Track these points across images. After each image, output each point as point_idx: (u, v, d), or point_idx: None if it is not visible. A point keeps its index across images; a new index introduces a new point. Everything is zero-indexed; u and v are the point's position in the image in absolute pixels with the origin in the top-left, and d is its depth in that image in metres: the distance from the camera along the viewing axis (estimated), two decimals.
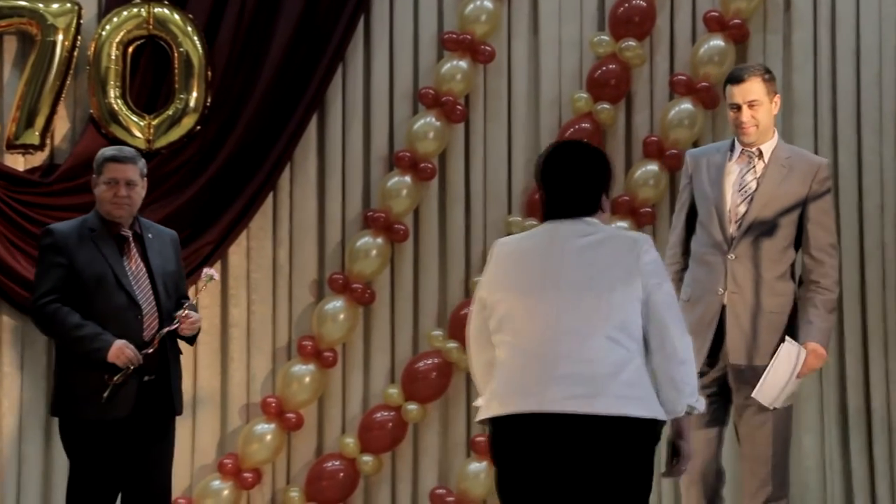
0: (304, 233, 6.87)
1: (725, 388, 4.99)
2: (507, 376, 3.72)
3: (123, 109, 6.66)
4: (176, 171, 6.74)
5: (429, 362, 6.76)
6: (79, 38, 6.67)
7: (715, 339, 4.94)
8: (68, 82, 6.67)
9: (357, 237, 6.81)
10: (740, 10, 6.79)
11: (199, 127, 6.71)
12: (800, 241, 5.00)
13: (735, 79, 4.98)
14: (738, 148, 5.03)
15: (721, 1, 6.81)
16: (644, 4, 6.83)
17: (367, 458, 6.72)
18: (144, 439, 5.02)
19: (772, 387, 4.82)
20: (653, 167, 6.81)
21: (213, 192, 6.75)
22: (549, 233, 3.80)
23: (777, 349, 4.86)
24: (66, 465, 5.09)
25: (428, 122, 6.81)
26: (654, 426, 3.70)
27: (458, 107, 6.82)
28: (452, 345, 6.71)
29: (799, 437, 6.74)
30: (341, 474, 6.69)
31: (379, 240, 6.78)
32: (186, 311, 5.05)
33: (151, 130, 6.68)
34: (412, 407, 6.73)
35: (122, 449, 4.95)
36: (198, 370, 6.80)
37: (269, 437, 6.68)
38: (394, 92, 6.94)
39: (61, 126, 6.78)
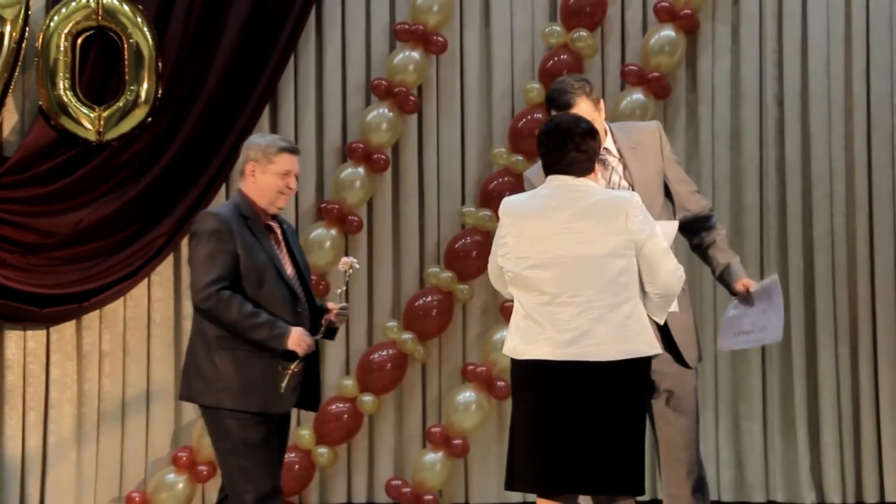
0: None
1: None
2: (522, 327, 4.29)
3: (73, 101, 6.60)
4: (127, 163, 6.69)
5: (384, 354, 6.77)
6: (27, 29, 6.59)
7: None
8: (16, 74, 6.59)
9: (311, 229, 6.80)
10: (690, 0, 6.84)
11: (150, 119, 6.67)
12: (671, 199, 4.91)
13: (564, 105, 4.67)
14: None
15: None
16: None
17: (323, 450, 6.71)
18: (286, 434, 4.86)
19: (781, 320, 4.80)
20: None
21: (165, 183, 6.71)
22: (557, 195, 4.30)
23: (766, 287, 4.79)
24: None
25: (381, 113, 6.81)
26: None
27: (411, 98, 6.83)
28: (407, 336, 6.72)
29: (741, 425, 6.83)
30: (297, 466, 6.68)
31: (332, 231, 6.77)
32: (343, 303, 4.84)
33: (102, 122, 6.62)
34: (367, 398, 6.73)
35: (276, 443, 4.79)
36: (151, 363, 6.76)
37: None
38: (346, 83, 6.94)
39: (9, 118, 6.71)
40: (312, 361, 4.80)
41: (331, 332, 4.88)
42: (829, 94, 6.88)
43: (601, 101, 4.80)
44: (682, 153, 6.85)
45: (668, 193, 4.85)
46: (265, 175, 4.79)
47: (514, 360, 4.33)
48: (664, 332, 4.65)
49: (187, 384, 4.82)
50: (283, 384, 4.68)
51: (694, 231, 4.89)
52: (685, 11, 6.85)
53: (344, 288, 4.88)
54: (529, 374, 4.27)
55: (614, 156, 4.82)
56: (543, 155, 4.38)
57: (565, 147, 4.33)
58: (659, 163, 4.83)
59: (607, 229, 4.26)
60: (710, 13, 6.96)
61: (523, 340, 4.28)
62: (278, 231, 4.86)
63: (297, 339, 4.65)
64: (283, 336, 4.64)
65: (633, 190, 4.67)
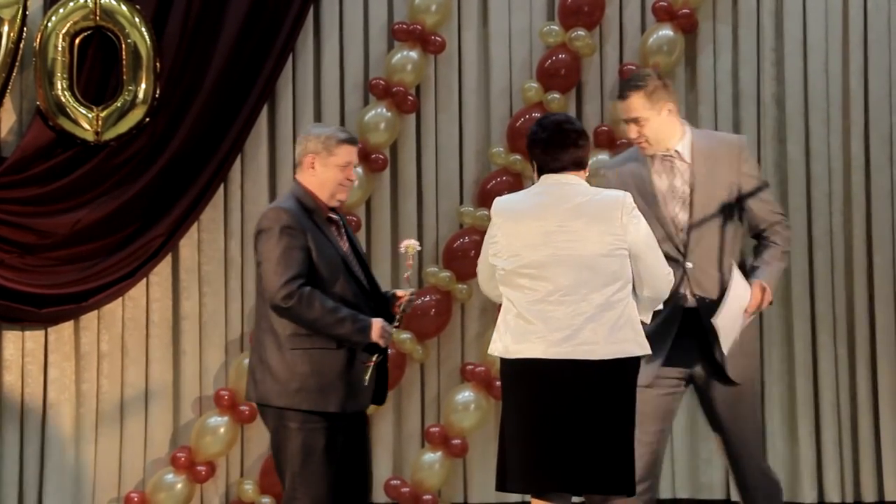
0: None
1: (683, 388, 4.95)
2: (514, 326, 4.31)
3: (71, 101, 6.59)
4: (125, 164, 6.68)
5: None
6: (25, 29, 6.58)
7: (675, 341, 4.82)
8: (14, 74, 6.58)
9: None
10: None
11: (148, 119, 6.66)
12: (742, 217, 4.89)
13: (618, 95, 4.85)
14: (656, 154, 4.85)
15: None
16: None
17: None
18: (363, 434, 4.80)
19: (730, 312, 4.73)
20: (604, 157, 6.82)
21: (163, 184, 6.70)
22: (550, 192, 4.34)
23: (730, 279, 4.76)
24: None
25: (379, 112, 6.80)
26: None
27: (409, 97, 6.82)
28: (406, 336, 6.71)
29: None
30: None
31: None
32: (411, 289, 4.75)
33: (100, 122, 6.61)
34: None
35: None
36: (149, 363, 6.75)
37: (222, 430, 6.65)
38: (344, 83, 6.93)
39: (7, 119, 6.70)
40: (383, 352, 4.68)
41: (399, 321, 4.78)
42: (828, 94, 6.87)
43: (668, 103, 4.77)
44: None
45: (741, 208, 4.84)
46: (326, 167, 4.70)
47: (504, 360, 4.32)
48: (704, 344, 4.73)
49: (257, 385, 4.70)
50: (367, 376, 4.58)
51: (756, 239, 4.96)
52: (683, 11, 6.84)
53: (408, 272, 4.78)
54: (521, 374, 4.28)
55: (684, 160, 4.82)
56: (541, 152, 4.39)
57: (564, 144, 4.36)
58: (732, 176, 4.81)
59: (601, 229, 4.28)
60: (709, 12, 6.96)
61: (514, 340, 4.28)
62: (339, 223, 4.77)
63: (380, 330, 4.57)
64: (367, 329, 4.55)
65: (692, 197, 4.74)
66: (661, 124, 4.77)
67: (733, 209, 4.83)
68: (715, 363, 4.81)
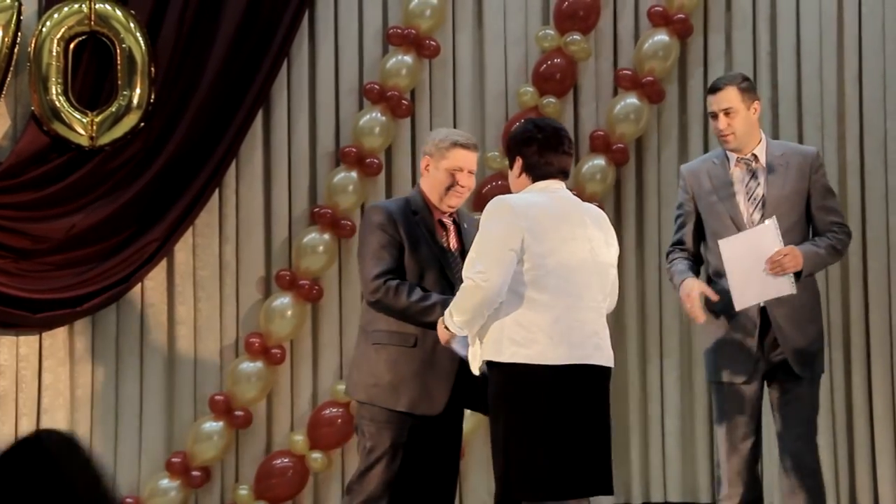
0: (251, 229, 6.83)
1: (763, 387, 5.12)
2: (555, 330, 4.24)
3: (66, 106, 6.58)
4: (120, 168, 6.67)
5: None
6: (19, 34, 6.57)
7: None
8: (9, 79, 6.57)
9: (304, 233, 6.79)
10: (684, 4, 6.85)
11: (143, 124, 6.64)
12: (810, 225, 5.13)
13: (712, 89, 5.12)
14: (733, 156, 5.11)
15: None
16: None
17: (317, 455, 6.70)
18: (450, 439, 4.79)
19: (740, 244, 4.88)
20: (599, 161, 6.85)
21: (158, 188, 6.69)
22: (558, 196, 4.39)
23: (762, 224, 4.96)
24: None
25: (374, 117, 6.80)
26: None
27: (404, 102, 6.82)
28: None
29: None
30: (291, 472, 6.67)
31: (326, 236, 6.76)
32: None
33: (94, 127, 6.60)
34: None
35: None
36: (144, 369, 6.74)
37: (217, 435, 6.65)
38: (339, 87, 6.92)
39: (2, 124, 6.68)
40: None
41: None
42: (822, 99, 6.89)
43: (756, 101, 5.07)
44: (675, 158, 6.87)
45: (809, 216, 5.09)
46: (437, 171, 4.72)
47: (528, 365, 4.23)
48: (772, 339, 4.95)
49: (348, 378, 4.86)
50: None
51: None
52: (679, 16, 6.85)
53: None
54: (561, 379, 4.24)
55: (760, 164, 5.06)
56: (534, 153, 4.40)
57: (559, 148, 4.41)
58: (803, 184, 5.04)
59: (608, 240, 4.45)
60: (704, 18, 6.97)
61: (551, 345, 4.23)
62: (452, 228, 4.77)
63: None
64: (437, 318, 4.48)
65: (766, 199, 4.98)
66: (748, 120, 5.04)
67: (803, 215, 5.06)
68: (783, 359, 5.01)
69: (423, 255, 4.65)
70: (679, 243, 5.19)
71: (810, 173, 5.07)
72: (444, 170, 4.70)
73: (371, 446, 4.66)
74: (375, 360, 4.67)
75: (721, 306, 5.00)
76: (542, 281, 4.25)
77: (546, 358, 4.23)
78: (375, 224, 4.67)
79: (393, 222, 4.66)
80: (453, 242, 4.75)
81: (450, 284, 4.63)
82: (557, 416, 4.24)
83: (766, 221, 4.91)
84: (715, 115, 5.08)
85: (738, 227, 5.00)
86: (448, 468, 4.78)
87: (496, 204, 4.35)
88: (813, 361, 5.10)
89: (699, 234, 5.16)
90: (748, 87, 5.09)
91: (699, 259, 5.20)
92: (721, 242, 4.93)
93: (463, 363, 4.52)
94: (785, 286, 4.90)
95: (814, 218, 5.09)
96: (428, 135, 4.87)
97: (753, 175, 5.05)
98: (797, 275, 4.93)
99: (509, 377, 4.26)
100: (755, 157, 5.08)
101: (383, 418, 4.65)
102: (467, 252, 4.55)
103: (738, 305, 4.93)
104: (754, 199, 5.04)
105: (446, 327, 4.35)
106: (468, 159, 4.71)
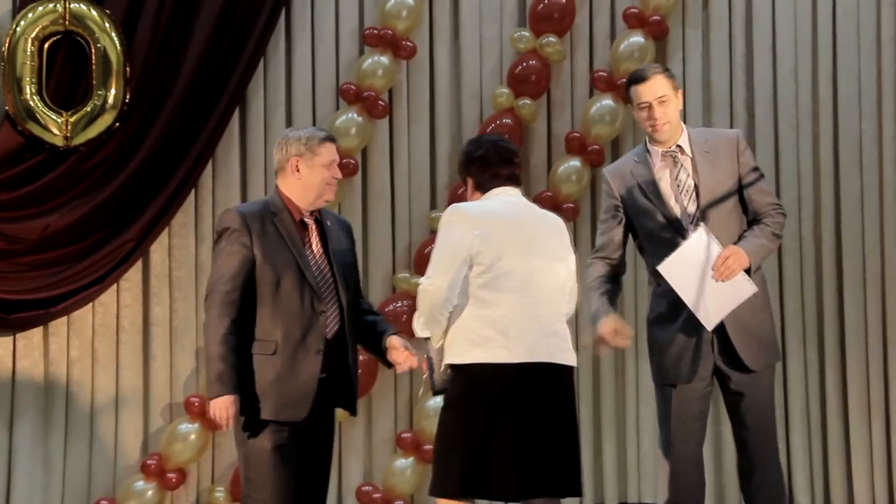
0: None
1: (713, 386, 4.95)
2: (512, 330, 4.31)
3: (40, 106, 6.55)
4: (95, 169, 6.65)
5: None
6: None
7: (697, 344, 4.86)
8: None
9: None
10: (659, 6, 6.87)
11: (117, 124, 6.62)
12: (745, 207, 4.94)
13: (639, 78, 4.89)
14: (657, 151, 4.92)
15: None
16: (563, 1, 6.88)
17: None
18: (320, 443, 4.72)
19: (679, 262, 4.72)
20: (575, 163, 6.86)
21: (133, 189, 6.67)
22: (513, 202, 4.46)
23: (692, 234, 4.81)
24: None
25: (350, 117, 6.80)
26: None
27: (380, 102, 6.81)
28: None
29: (721, 431, 6.84)
30: None
31: None
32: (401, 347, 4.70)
33: (69, 127, 6.58)
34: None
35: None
36: (119, 370, 6.71)
37: (193, 437, 6.63)
38: (315, 87, 6.92)
39: None
40: (342, 360, 4.63)
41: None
42: (797, 100, 6.92)
43: (679, 90, 4.92)
44: None
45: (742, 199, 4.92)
46: (312, 169, 4.65)
47: (486, 365, 4.31)
48: (722, 335, 4.78)
49: None
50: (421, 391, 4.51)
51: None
52: (654, 17, 6.87)
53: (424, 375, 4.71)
54: (508, 378, 4.30)
55: (686, 154, 4.91)
56: (477, 170, 4.50)
57: (502, 160, 4.51)
58: (733, 168, 4.90)
59: (562, 244, 4.53)
60: (680, 19, 6.99)
61: (514, 344, 4.31)
62: (313, 228, 4.70)
63: (221, 406, 4.47)
64: (216, 391, 4.46)
65: (698, 189, 4.84)
66: (677, 108, 4.89)
67: (736, 199, 4.91)
68: (733, 353, 4.82)
69: (279, 261, 4.57)
70: (601, 250, 5.02)
71: (737, 155, 4.91)
72: (321, 166, 4.64)
73: (245, 455, 4.59)
74: (242, 368, 4.56)
75: (666, 307, 4.85)
76: (498, 283, 4.34)
77: (504, 357, 4.30)
78: (221, 229, 4.60)
79: (243, 228, 4.56)
80: (315, 242, 4.71)
81: (310, 287, 4.59)
82: (516, 414, 4.29)
83: (697, 230, 4.75)
84: (647, 106, 4.85)
85: (673, 223, 4.83)
86: (320, 470, 4.75)
87: (451, 211, 4.45)
88: (766, 350, 4.89)
89: (626, 238, 5.01)
90: (671, 76, 4.91)
91: (622, 265, 5.04)
92: (660, 268, 4.74)
93: (327, 363, 4.55)
94: (745, 288, 4.74)
95: (750, 200, 4.89)
96: (279, 138, 4.77)
97: (681, 167, 4.89)
98: (747, 271, 4.80)
99: (471, 377, 4.34)
100: (680, 147, 4.88)
101: (253, 427, 4.57)
102: (331, 250, 4.63)
103: (710, 326, 4.75)
104: (686, 190, 4.87)
105: (413, 329, 4.48)
106: (335, 152, 4.72)
